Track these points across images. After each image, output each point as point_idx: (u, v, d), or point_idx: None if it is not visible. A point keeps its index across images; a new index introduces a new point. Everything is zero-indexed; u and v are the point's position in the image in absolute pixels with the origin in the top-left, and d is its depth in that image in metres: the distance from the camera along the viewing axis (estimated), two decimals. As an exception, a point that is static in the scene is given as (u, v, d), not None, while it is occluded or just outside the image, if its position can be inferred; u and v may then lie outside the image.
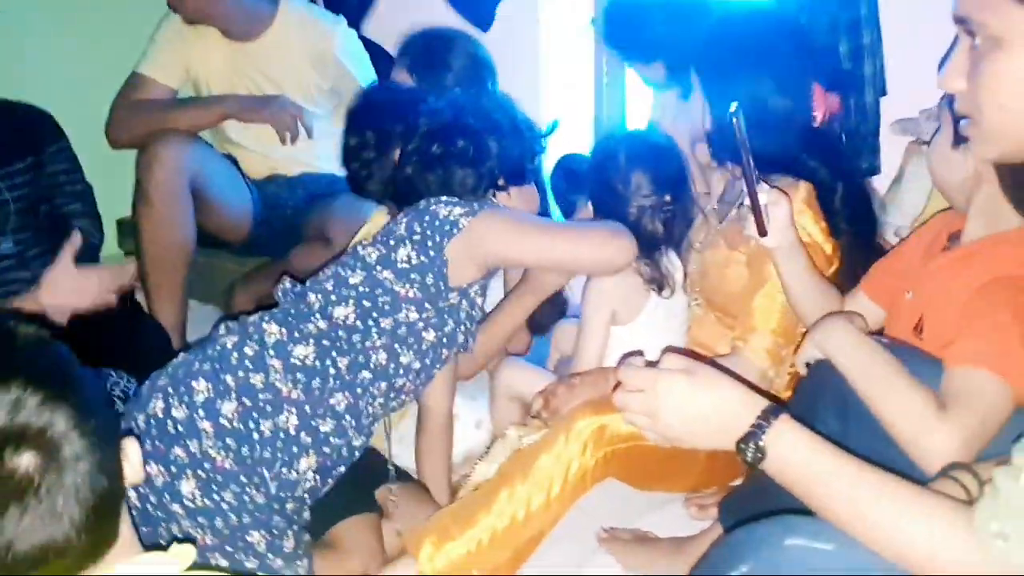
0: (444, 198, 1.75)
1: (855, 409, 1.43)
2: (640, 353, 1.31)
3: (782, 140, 1.80)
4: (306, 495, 1.63)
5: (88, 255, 2.65)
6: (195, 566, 1.04)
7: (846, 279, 1.82)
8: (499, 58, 2.60)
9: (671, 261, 1.96)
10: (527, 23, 2.87)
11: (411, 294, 1.68)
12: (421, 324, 1.70)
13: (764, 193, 1.59)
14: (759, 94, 1.79)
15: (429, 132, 1.84)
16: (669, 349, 1.22)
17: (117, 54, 2.77)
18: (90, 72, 2.94)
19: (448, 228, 1.70)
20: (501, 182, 1.86)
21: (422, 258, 1.69)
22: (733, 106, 1.49)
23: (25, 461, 0.88)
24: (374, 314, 1.67)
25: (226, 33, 2.63)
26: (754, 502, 1.46)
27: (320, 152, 2.71)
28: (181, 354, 1.68)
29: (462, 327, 1.77)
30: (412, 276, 1.69)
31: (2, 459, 0.87)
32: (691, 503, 1.96)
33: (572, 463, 1.70)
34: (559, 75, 2.99)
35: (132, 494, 1.49)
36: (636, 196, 1.89)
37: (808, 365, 1.57)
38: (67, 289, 1.83)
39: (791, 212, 1.62)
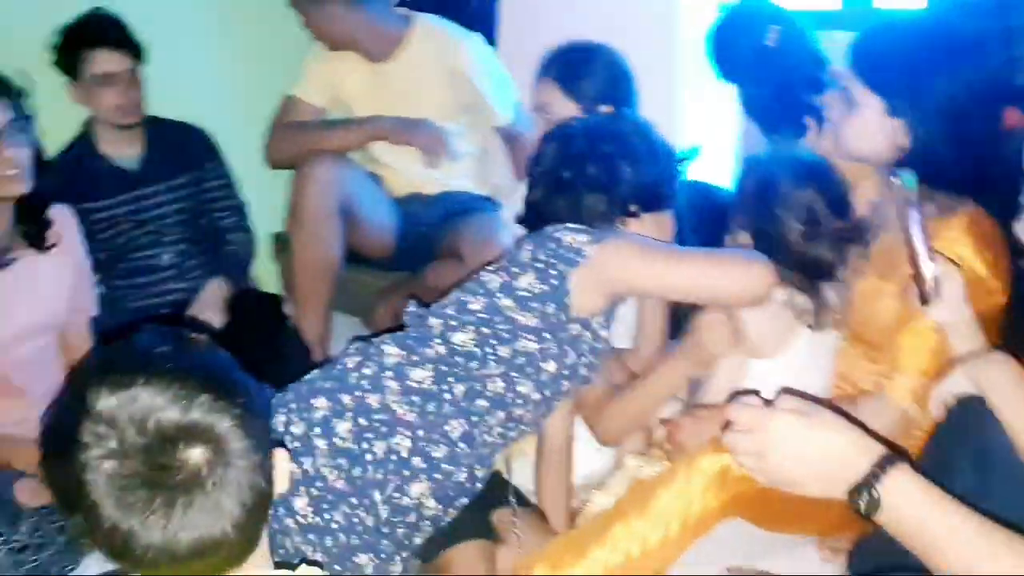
0: (570, 224, 1.72)
1: (998, 459, 1.32)
2: (756, 392, 1.24)
3: (964, 157, 1.67)
4: (425, 522, 1.63)
5: (239, 268, 2.78)
6: None
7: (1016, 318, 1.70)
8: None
9: (833, 292, 1.81)
10: (663, 37, 2.79)
11: (530, 323, 1.65)
12: (540, 355, 1.67)
13: (933, 262, 1.50)
14: (941, 105, 1.66)
15: (560, 156, 1.81)
16: (785, 389, 1.16)
17: (276, 74, 2.89)
18: (249, 91, 3.07)
19: (572, 256, 1.66)
20: (633, 208, 1.81)
21: (544, 287, 1.66)
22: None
23: (195, 456, 0.93)
24: (492, 341, 1.65)
25: (363, 55, 2.69)
26: (886, 550, 1.36)
27: (458, 171, 2.74)
28: (315, 370, 1.72)
29: (584, 359, 1.73)
30: (532, 305, 1.66)
31: (175, 452, 0.92)
32: (823, 546, 1.85)
33: (693, 502, 1.63)
34: (695, 94, 2.89)
35: None
36: (802, 222, 1.74)
37: (946, 408, 1.45)
38: None
39: (963, 287, 1.52)
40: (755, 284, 1.70)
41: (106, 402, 0.91)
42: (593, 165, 1.78)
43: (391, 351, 1.65)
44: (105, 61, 2.50)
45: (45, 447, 0.96)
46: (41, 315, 2.07)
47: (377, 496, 1.57)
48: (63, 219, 2.11)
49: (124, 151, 2.65)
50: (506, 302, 1.66)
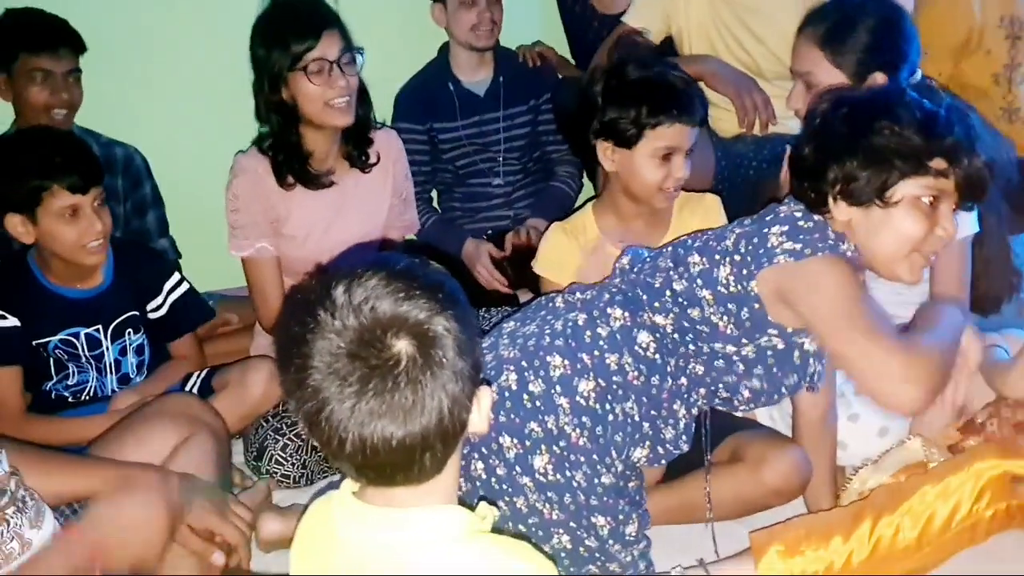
0: (792, 214, 1.52)
1: None
2: None
3: None
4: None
5: (563, 204, 2.80)
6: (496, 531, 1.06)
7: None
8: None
9: None
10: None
11: (728, 329, 1.53)
12: (740, 364, 1.55)
13: None
14: None
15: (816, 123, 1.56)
16: None
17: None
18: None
19: (763, 260, 1.48)
20: (831, 197, 1.50)
21: (739, 287, 1.51)
22: None
23: (401, 344, 0.97)
24: (690, 335, 1.56)
25: None
26: None
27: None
28: (511, 323, 1.68)
29: (799, 374, 1.57)
30: (729, 306, 1.52)
31: (384, 337, 0.97)
32: None
33: (961, 507, 1.43)
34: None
35: (480, 466, 1.56)
36: None
37: None
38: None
39: None
40: (893, 398, 1.41)
41: (339, 290, 0.99)
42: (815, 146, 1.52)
43: (616, 314, 1.59)
44: None
45: (287, 315, 1.04)
46: (360, 230, 2.24)
47: (615, 455, 1.54)
48: (387, 141, 2.26)
49: (475, 76, 2.80)
50: (705, 294, 1.54)
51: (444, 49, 2.83)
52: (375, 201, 2.25)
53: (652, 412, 1.56)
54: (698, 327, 1.55)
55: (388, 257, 1.05)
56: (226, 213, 2.16)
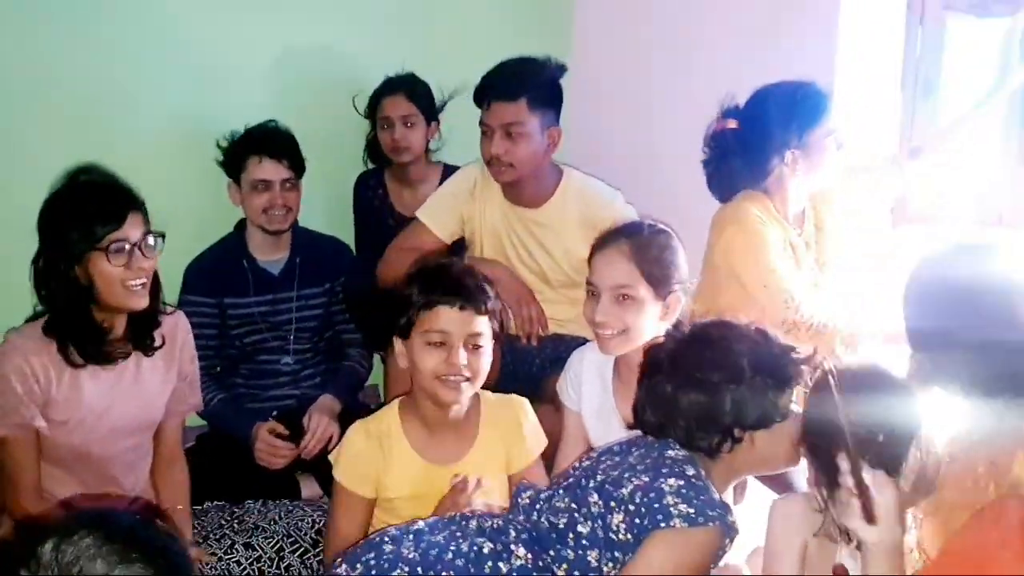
0: (680, 465, 1.59)
1: None
2: None
3: None
4: None
5: (353, 385, 2.84)
6: None
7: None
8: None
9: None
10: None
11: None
12: None
13: (868, 473, 1.41)
14: None
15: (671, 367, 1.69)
16: None
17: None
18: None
19: (659, 518, 1.53)
20: (738, 433, 1.63)
21: (628, 536, 1.56)
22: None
23: None
24: None
25: (514, 199, 2.74)
26: None
27: (575, 315, 2.71)
28: (422, 522, 1.70)
29: None
30: (616, 554, 1.57)
31: None
32: None
33: None
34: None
35: None
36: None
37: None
38: None
39: (897, 501, 1.42)
40: None
41: (47, 547, 0.92)
42: (697, 393, 1.63)
43: (519, 552, 1.61)
44: (261, 169, 2.69)
45: None
46: (140, 415, 2.18)
47: None
48: (175, 324, 2.23)
49: (271, 255, 2.81)
50: (600, 535, 1.58)
51: (240, 225, 2.84)
52: (157, 385, 2.19)
53: None
54: (592, 573, 1.57)
55: (111, 514, 1.00)
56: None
